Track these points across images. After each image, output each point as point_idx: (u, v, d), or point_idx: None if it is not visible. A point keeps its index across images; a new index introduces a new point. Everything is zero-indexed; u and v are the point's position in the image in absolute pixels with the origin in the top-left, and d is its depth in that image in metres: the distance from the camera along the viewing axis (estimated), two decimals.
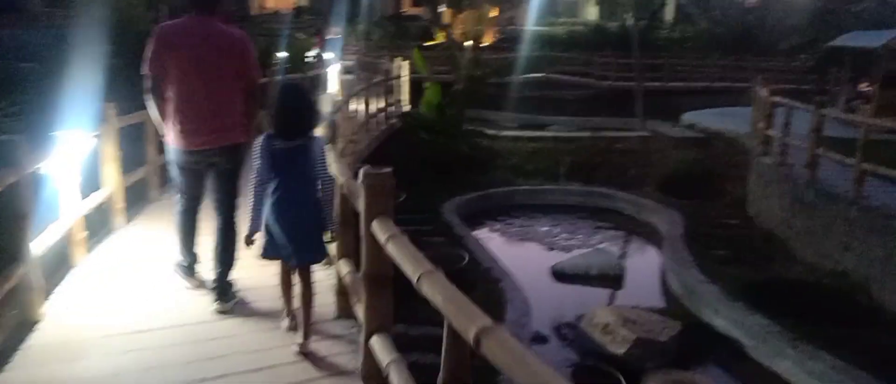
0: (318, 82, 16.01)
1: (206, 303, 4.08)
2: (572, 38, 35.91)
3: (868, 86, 15.51)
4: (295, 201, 3.36)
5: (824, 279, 8.15)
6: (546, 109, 22.77)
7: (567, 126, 21.00)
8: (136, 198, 6.41)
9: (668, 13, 40.78)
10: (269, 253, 3.49)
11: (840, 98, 15.78)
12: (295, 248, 3.39)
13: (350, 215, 3.62)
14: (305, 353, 3.44)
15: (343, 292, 3.87)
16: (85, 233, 4.86)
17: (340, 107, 7.69)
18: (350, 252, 3.78)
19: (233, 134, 3.90)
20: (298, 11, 44.26)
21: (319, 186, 3.47)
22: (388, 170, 2.98)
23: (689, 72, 25.95)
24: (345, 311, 3.86)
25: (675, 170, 13.21)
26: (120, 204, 5.65)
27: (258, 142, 3.41)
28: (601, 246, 10.50)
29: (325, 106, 8.33)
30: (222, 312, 3.94)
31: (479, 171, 13.12)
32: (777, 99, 10.51)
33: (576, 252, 10.01)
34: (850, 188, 8.24)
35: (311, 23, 35.12)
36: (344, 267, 3.80)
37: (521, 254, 10.05)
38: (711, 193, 12.33)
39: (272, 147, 3.34)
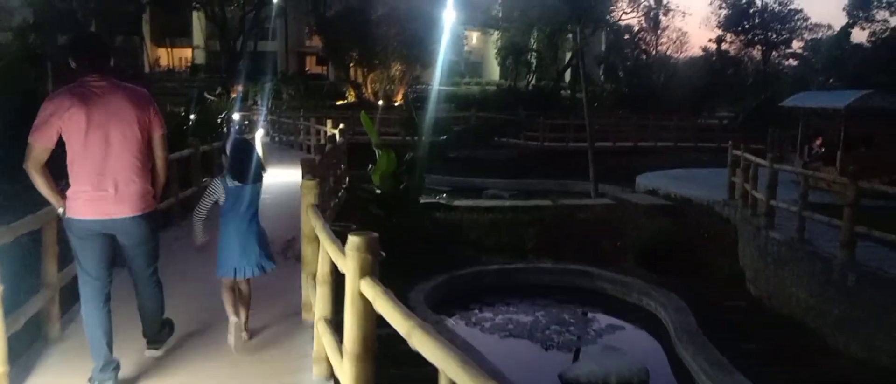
0: None
1: None
2: (485, 97, 35.69)
3: (821, 146, 15.20)
4: (249, 229, 4.31)
5: (889, 380, 6.96)
6: (476, 171, 21.55)
7: (504, 189, 19.83)
8: (29, 341, 4.24)
9: (567, 74, 41.32)
10: (234, 273, 4.29)
11: (795, 159, 15.34)
12: (254, 262, 4.32)
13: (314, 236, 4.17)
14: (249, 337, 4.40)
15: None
16: None
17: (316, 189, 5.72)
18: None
19: (145, 201, 3.65)
20: (194, 69, 42.11)
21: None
22: None
23: (612, 132, 25.53)
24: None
25: (651, 242, 11.99)
26: (2, 367, 3.50)
27: (215, 183, 4.27)
28: (602, 339, 9.00)
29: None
30: (155, 356, 3.93)
31: (439, 248, 11.36)
32: (780, 166, 9.55)
33: (577, 350, 8.44)
34: None
35: (209, 82, 32.70)
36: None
37: (516, 358, 8.33)
38: (697, 269, 11.16)
39: (229, 189, 4.24)
